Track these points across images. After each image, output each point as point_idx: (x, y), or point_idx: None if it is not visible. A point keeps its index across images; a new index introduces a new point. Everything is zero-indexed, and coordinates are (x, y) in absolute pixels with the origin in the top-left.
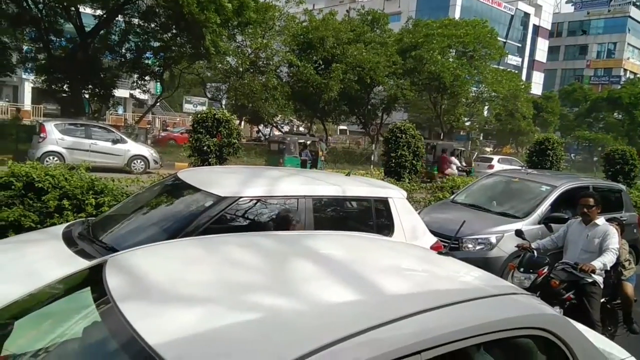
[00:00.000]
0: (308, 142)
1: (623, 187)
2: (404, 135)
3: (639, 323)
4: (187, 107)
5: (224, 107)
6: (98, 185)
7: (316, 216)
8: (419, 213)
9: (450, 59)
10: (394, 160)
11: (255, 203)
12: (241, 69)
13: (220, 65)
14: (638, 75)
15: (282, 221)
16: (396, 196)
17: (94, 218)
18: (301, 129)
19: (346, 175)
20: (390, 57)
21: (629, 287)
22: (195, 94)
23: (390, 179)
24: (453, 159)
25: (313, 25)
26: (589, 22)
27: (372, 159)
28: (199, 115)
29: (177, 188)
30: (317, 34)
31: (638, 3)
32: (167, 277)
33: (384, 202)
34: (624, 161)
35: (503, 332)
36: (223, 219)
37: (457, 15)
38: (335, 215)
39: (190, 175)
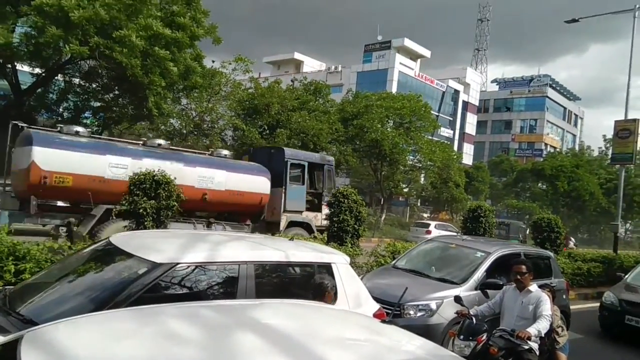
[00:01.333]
0: None
1: (551, 254)
2: (346, 200)
3: None
4: None
5: None
6: (20, 251)
7: (259, 283)
8: (361, 278)
9: (389, 129)
10: (336, 225)
11: (194, 270)
12: (185, 131)
13: (163, 126)
14: (557, 149)
15: (223, 289)
16: (339, 262)
17: (11, 287)
18: None
19: (290, 239)
20: (333, 124)
21: (562, 358)
22: None
23: (334, 243)
24: None
25: (259, 92)
26: (512, 100)
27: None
28: (136, 177)
29: (109, 253)
30: (263, 100)
31: (554, 85)
32: (93, 355)
33: (327, 268)
34: (550, 229)
35: None
36: (158, 288)
37: (394, 90)
38: (279, 281)
39: (124, 239)
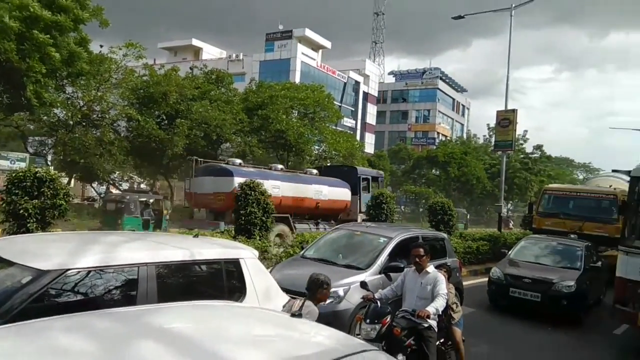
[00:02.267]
0: (151, 200)
1: (445, 235)
2: (253, 192)
3: None
4: (2, 163)
5: (49, 163)
6: None
7: (161, 285)
8: (270, 271)
9: (294, 119)
10: (243, 218)
11: (88, 275)
12: (71, 122)
13: (45, 117)
14: (448, 138)
15: (122, 294)
16: (247, 256)
17: None
18: (143, 186)
19: (194, 236)
20: (237, 115)
21: (458, 333)
22: (13, 149)
23: (242, 237)
24: None
25: (154, 79)
26: (407, 92)
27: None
28: (14, 174)
29: None
30: (159, 88)
31: (444, 78)
32: None
33: (234, 264)
34: (443, 212)
35: None
36: (46, 298)
37: (297, 80)
38: (183, 282)
39: (3, 245)
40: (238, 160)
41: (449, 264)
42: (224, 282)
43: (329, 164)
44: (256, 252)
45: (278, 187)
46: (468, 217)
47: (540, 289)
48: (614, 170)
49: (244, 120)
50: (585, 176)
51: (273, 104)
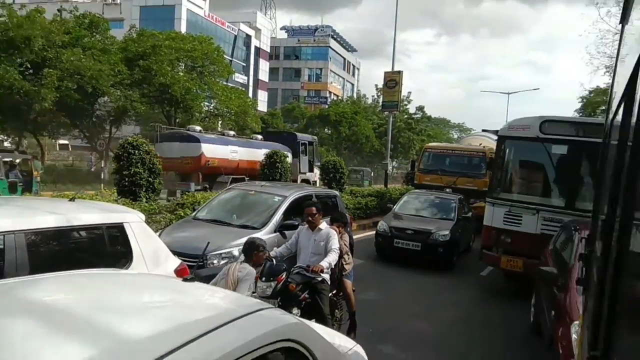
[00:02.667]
0: (17, 161)
1: (337, 192)
2: (137, 151)
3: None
4: None
5: None
6: None
7: (33, 255)
8: (159, 235)
9: (180, 73)
10: (127, 179)
11: None
12: None
13: None
14: (339, 98)
15: None
16: (132, 220)
17: None
18: (6, 144)
19: (70, 199)
20: (115, 65)
21: (348, 284)
22: None
23: (125, 199)
24: None
25: (15, 22)
26: (300, 49)
27: (103, 177)
28: None
29: None
30: (21, 32)
31: (335, 36)
32: None
33: (118, 229)
34: (335, 170)
35: (256, 351)
36: None
37: (183, 29)
38: (60, 250)
39: None
40: (198, 128)
41: (345, 219)
42: (107, 249)
43: (269, 130)
44: (142, 216)
45: (236, 152)
46: (372, 174)
47: (420, 239)
48: (483, 130)
49: (123, 71)
50: (459, 135)
51: (156, 54)
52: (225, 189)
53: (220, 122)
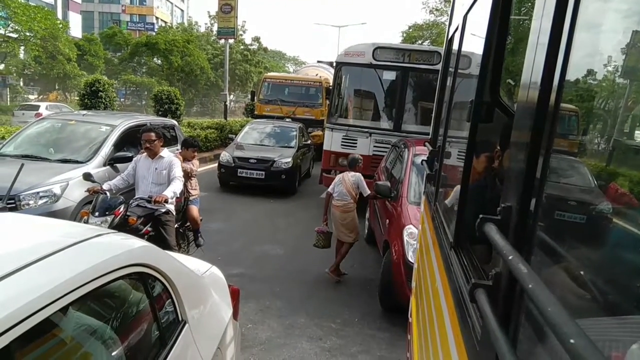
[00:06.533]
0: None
1: (175, 122)
2: None
3: (204, 238)
4: None
5: None
6: None
7: None
8: None
9: None
10: None
11: None
12: None
13: None
14: (168, 24)
15: None
16: None
17: None
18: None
19: None
20: None
21: (194, 209)
22: None
23: None
24: None
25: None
26: None
27: None
28: None
29: None
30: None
31: None
32: None
33: None
34: (170, 101)
35: (102, 277)
36: None
37: None
38: None
39: None
40: None
41: (179, 151)
42: None
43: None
44: None
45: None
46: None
47: (263, 167)
48: (318, 61)
49: None
50: (295, 69)
51: None
52: (36, 120)
53: (22, 48)
